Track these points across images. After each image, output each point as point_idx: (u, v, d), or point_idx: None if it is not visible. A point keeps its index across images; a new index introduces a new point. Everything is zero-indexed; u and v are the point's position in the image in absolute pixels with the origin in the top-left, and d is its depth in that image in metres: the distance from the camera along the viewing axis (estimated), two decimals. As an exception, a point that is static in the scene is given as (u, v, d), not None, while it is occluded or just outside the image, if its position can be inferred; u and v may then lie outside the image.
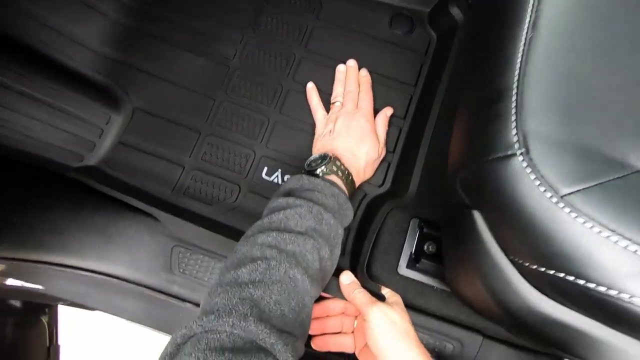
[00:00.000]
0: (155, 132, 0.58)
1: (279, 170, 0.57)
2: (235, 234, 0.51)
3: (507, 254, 0.31)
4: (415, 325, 0.52)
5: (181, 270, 0.53)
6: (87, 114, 0.56)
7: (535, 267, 0.28)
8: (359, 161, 0.52)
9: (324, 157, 0.48)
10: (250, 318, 0.30)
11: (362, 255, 0.52)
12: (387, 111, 0.57)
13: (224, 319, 0.30)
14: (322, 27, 0.62)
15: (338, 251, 0.44)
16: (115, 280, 0.52)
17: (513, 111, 0.28)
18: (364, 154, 0.52)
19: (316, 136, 0.56)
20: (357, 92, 0.57)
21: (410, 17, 0.63)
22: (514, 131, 0.27)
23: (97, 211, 0.52)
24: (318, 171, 0.47)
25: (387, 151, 0.57)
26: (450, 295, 0.52)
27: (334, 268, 0.44)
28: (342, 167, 0.48)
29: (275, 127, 0.58)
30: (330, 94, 0.58)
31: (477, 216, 0.32)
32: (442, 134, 0.55)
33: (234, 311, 0.31)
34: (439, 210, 0.54)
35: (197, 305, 0.53)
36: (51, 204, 0.50)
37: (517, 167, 0.27)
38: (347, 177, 0.48)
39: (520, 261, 0.29)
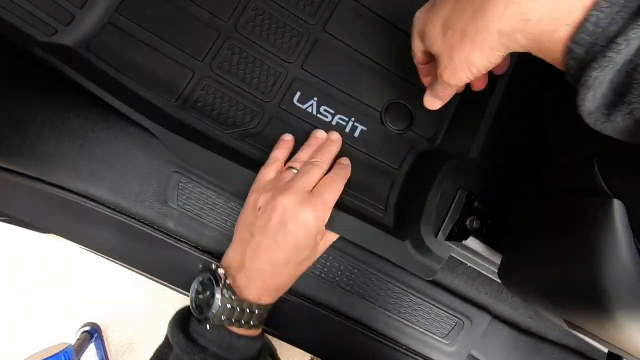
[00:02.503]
0: (159, 19, 0.43)
1: (315, 98, 0.46)
2: (251, 167, 0.41)
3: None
4: (428, 297, 0.49)
5: (180, 204, 0.42)
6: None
7: None
8: (278, 275, 0.38)
9: (210, 283, 0.35)
10: None
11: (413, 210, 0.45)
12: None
13: None
14: None
15: None
16: (89, 203, 0.40)
17: None
18: (293, 265, 0.38)
19: (253, 187, 0.40)
20: (324, 169, 0.41)
21: None
22: None
23: (73, 110, 0.39)
24: (208, 315, 0.34)
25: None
26: (479, 275, 0.48)
27: None
28: (243, 303, 0.35)
29: (316, 46, 0.47)
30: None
31: (617, 206, 0.26)
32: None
33: None
34: (487, 183, 0.48)
35: (195, 247, 0.44)
36: (11, 90, 0.36)
37: None
38: (250, 317, 0.36)
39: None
